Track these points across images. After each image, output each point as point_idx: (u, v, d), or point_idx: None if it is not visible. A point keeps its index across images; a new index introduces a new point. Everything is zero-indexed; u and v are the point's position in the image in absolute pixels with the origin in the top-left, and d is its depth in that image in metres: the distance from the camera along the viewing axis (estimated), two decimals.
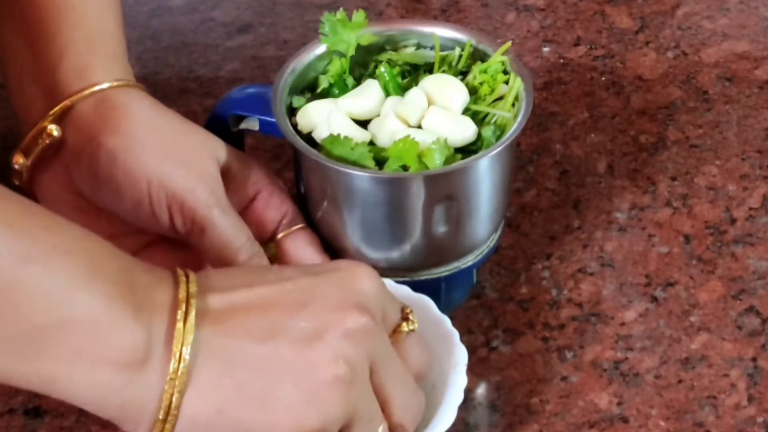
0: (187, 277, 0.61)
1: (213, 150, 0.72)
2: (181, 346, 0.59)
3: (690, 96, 0.92)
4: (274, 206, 0.75)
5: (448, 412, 0.66)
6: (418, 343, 0.66)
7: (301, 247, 0.74)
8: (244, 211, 0.74)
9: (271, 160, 0.87)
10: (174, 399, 0.59)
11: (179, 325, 0.59)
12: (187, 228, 0.71)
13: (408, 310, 0.66)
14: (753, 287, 0.79)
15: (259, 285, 0.62)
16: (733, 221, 0.83)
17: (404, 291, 0.70)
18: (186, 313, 0.59)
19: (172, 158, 0.71)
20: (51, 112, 0.72)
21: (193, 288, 0.60)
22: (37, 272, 0.57)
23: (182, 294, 0.60)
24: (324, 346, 0.60)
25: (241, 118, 0.76)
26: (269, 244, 0.74)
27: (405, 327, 0.65)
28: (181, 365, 0.59)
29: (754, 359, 0.75)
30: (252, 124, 0.75)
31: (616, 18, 0.99)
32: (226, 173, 0.72)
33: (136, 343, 0.58)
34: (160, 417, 0.59)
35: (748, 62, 0.94)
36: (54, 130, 0.72)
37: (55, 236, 0.58)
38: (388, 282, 0.70)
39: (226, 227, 0.70)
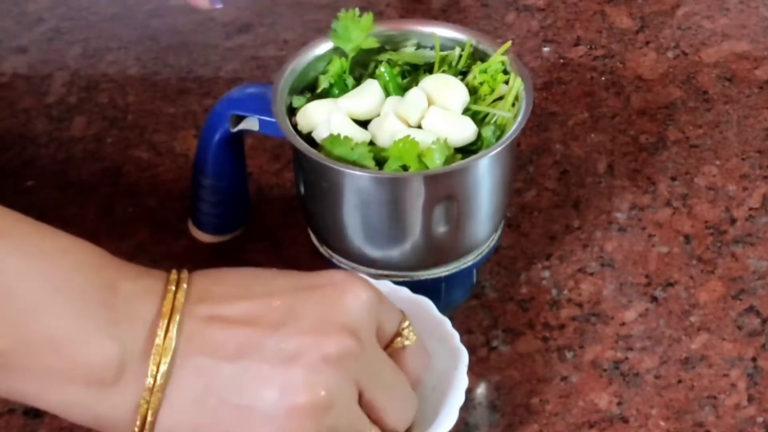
0: (177, 285, 0.61)
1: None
2: (159, 362, 0.59)
3: (690, 96, 0.92)
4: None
5: (449, 415, 0.66)
6: (416, 353, 0.65)
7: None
8: None
9: (271, 160, 0.87)
10: (149, 416, 0.59)
11: (158, 340, 0.59)
12: None
13: (404, 325, 0.65)
14: (753, 287, 0.79)
15: (244, 299, 0.61)
16: (733, 221, 0.83)
17: (404, 293, 0.70)
18: (167, 330, 0.59)
19: None
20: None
21: (180, 299, 0.60)
22: (2, 297, 0.57)
23: (167, 307, 0.60)
24: (300, 371, 0.60)
25: (241, 118, 0.76)
26: None
27: (398, 343, 0.64)
28: (157, 382, 0.58)
29: (754, 359, 0.75)
30: (252, 124, 0.75)
31: (616, 18, 0.99)
32: None
33: (107, 359, 0.58)
34: (136, 430, 0.59)
35: (748, 62, 0.94)
36: None
37: (25, 257, 0.58)
38: (387, 284, 0.70)
39: None
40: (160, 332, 0.59)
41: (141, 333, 0.59)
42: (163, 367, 0.59)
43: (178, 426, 0.59)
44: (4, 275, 0.57)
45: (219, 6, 0.77)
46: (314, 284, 0.63)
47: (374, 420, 0.63)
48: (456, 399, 0.67)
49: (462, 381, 0.67)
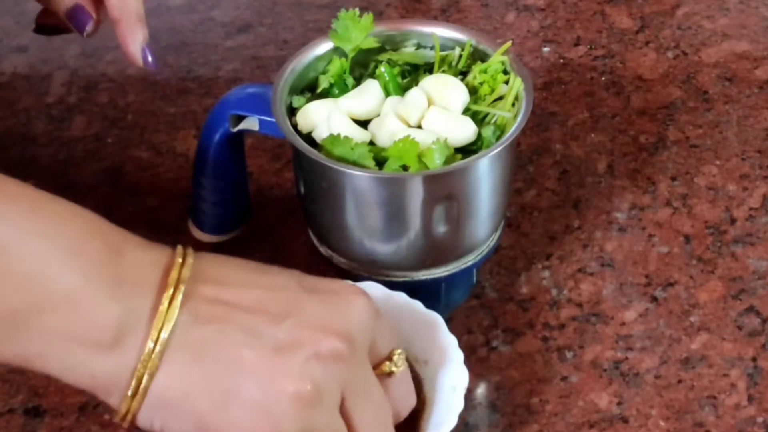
0: (183, 259, 0.62)
1: None
2: (161, 329, 0.60)
3: (690, 96, 0.92)
4: None
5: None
6: (402, 383, 0.66)
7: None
8: None
9: (271, 160, 0.87)
10: (144, 380, 0.60)
11: (162, 307, 0.60)
12: None
13: (397, 352, 0.65)
14: (753, 287, 0.79)
15: (251, 287, 0.63)
16: (733, 221, 0.83)
17: (416, 306, 0.70)
18: (172, 298, 0.60)
19: None
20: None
21: (186, 273, 0.61)
22: (13, 258, 0.58)
23: (173, 277, 0.61)
24: (293, 361, 0.61)
25: (241, 118, 0.76)
26: None
27: (387, 366, 0.65)
28: (157, 348, 0.59)
29: (754, 359, 0.75)
30: (252, 124, 0.75)
31: (616, 18, 0.99)
32: None
33: (111, 321, 0.59)
34: (129, 394, 0.60)
35: (748, 62, 0.94)
36: None
37: (36, 219, 0.59)
38: (401, 295, 0.70)
39: None
40: (165, 300, 0.60)
41: (146, 298, 0.60)
42: (164, 335, 0.59)
43: (170, 394, 0.60)
44: (15, 237, 0.58)
45: (155, 70, 0.77)
46: (319, 288, 0.64)
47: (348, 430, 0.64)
48: (449, 421, 0.66)
49: (458, 403, 0.67)
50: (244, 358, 0.61)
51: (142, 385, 0.60)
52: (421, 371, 0.70)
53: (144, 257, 0.61)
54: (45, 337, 0.59)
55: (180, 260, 0.61)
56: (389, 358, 0.65)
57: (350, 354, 0.62)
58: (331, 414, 0.62)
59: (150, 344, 0.59)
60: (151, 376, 0.60)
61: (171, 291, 0.60)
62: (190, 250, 0.63)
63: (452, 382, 0.68)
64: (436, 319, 0.70)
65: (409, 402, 0.67)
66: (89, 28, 0.76)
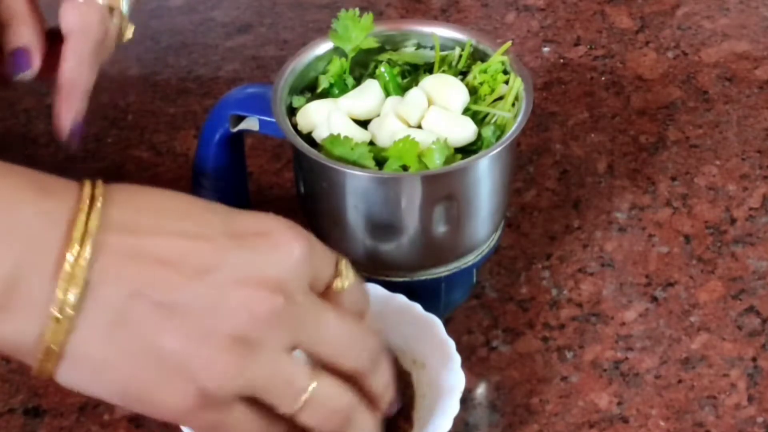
0: (91, 203, 0.57)
1: None
2: (66, 291, 0.55)
3: (690, 96, 0.92)
4: None
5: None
6: (354, 291, 0.62)
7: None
8: None
9: (271, 160, 0.87)
10: (54, 345, 0.56)
11: (67, 267, 0.55)
12: None
13: (342, 265, 0.62)
14: (753, 287, 0.79)
15: (170, 235, 0.57)
16: (733, 221, 0.83)
17: (416, 308, 0.70)
18: (77, 257, 0.55)
19: None
20: None
21: (93, 224, 0.56)
22: None
23: (78, 232, 0.56)
24: (222, 327, 0.57)
25: (241, 118, 0.76)
26: None
27: (338, 283, 0.61)
28: (66, 312, 0.55)
29: (754, 359, 0.75)
30: (252, 124, 0.75)
31: (616, 18, 0.99)
32: None
33: (3, 275, 0.55)
34: (40, 357, 0.56)
35: (748, 62, 0.94)
36: None
37: None
38: (400, 298, 0.70)
39: None
40: (70, 257, 0.55)
41: (42, 255, 0.55)
42: (71, 297, 0.55)
43: (87, 359, 0.57)
44: None
45: (74, 143, 0.75)
46: (246, 230, 0.59)
47: (331, 369, 0.60)
48: (444, 424, 0.66)
49: (453, 406, 0.66)
50: (166, 322, 0.56)
51: (53, 349, 0.56)
52: (418, 373, 0.70)
53: (39, 211, 0.56)
54: None
55: (86, 207, 0.56)
56: (337, 275, 0.62)
57: (287, 303, 0.58)
58: (272, 363, 0.58)
59: (54, 306, 0.55)
60: (61, 343, 0.56)
61: (76, 248, 0.55)
62: (99, 188, 0.57)
63: (449, 386, 0.67)
64: (435, 321, 0.70)
65: (366, 299, 0.63)
66: (23, 76, 0.73)
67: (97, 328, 0.56)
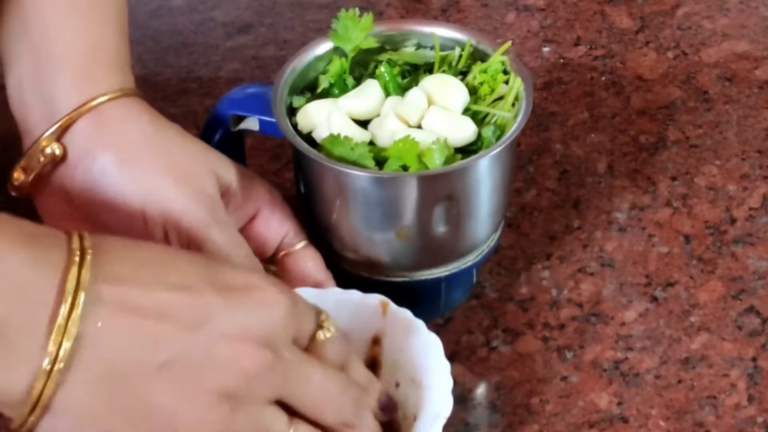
0: (82, 255, 0.56)
1: (213, 167, 0.71)
2: (60, 345, 0.55)
3: (690, 96, 0.92)
4: (274, 225, 0.74)
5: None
6: (335, 343, 0.63)
7: (301, 264, 0.73)
8: (245, 228, 0.73)
9: (271, 160, 0.87)
10: (44, 396, 0.55)
11: (60, 321, 0.55)
12: (182, 245, 0.68)
13: (323, 317, 0.63)
14: (753, 287, 0.79)
15: (159, 288, 0.58)
16: (733, 221, 0.83)
17: (418, 325, 0.69)
18: (71, 310, 0.55)
19: (168, 176, 0.68)
20: (51, 131, 0.70)
21: (86, 275, 0.56)
22: None
23: (71, 284, 0.55)
24: (211, 381, 0.57)
25: (241, 118, 0.76)
26: (270, 265, 0.74)
27: (320, 335, 0.62)
28: (56, 366, 0.55)
29: (754, 359, 0.75)
30: (252, 124, 0.75)
31: (616, 18, 0.99)
32: (225, 190, 0.71)
33: None
34: (26, 410, 0.56)
35: (748, 62, 0.94)
36: (56, 148, 0.70)
37: None
38: (405, 313, 0.69)
39: (224, 244, 0.68)
40: (63, 310, 0.55)
41: (35, 306, 0.55)
42: (63, 351, 0.55)
43: (72, 413, 0.56)
44: None
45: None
46: (231, 284, 0.60)
47: (314, 422, 0.61)
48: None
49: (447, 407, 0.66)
50: (156, 377, 0.57)
51: (40, 402, 0.55)
52: (408, 389, 0.69)
53: (33, 254, 0.56)
54: None
55: (78, 258, 0.56)
56: (320, 327, 0.62)
57: (274, 359, 0.59)
58: (257, 417, 0.59)
59: (47, 359, 0.55)
60: (49, 396, 0.55)
61: (69, 302, 0.55)
62: (87, 240, 0.57)
63: (436, 409, 0.66)
64: (435, 341, 0.69)
65: (345, 352, 0.63)
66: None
67: (86, 383, 0.56)
